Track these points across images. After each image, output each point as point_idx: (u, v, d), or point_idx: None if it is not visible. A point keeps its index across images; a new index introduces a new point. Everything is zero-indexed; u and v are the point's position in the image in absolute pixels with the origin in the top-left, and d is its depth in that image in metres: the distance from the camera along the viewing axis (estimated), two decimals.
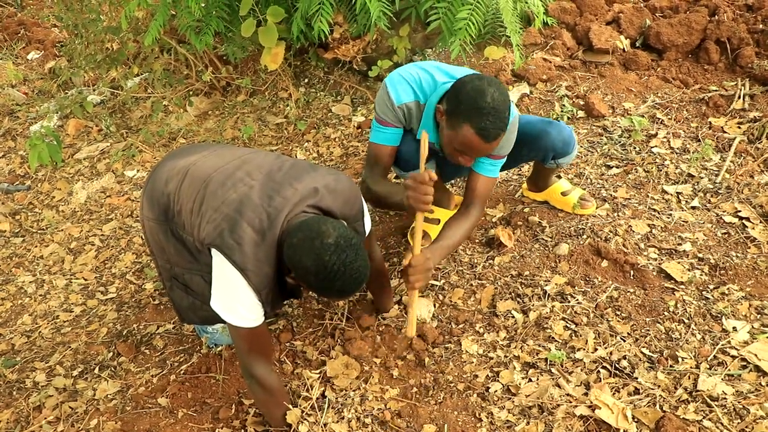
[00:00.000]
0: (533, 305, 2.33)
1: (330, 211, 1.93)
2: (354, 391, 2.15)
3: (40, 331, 2.81)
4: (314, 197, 1.90)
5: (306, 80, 4.11)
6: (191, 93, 4.26)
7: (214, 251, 1.85)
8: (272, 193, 1.88)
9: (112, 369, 2.49)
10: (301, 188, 1.90)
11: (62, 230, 3.52)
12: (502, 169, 2.49)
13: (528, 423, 1.94)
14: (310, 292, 2.51)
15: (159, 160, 3.83)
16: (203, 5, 3.50)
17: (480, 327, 2.30)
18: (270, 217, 1.83)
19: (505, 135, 2.14)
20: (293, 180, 1.92)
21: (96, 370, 2.50)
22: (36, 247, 3.44)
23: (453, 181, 2.99)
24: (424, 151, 2.08)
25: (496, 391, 2.06)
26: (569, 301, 2.33)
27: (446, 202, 2.76)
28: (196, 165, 2.06)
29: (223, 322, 1.90)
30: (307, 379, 2.21)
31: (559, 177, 2.80)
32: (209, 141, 3.86)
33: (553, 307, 2.31)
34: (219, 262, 1.84)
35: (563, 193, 2.74)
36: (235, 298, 1.84)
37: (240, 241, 1.79)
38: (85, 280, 3.11)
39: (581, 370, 2.07)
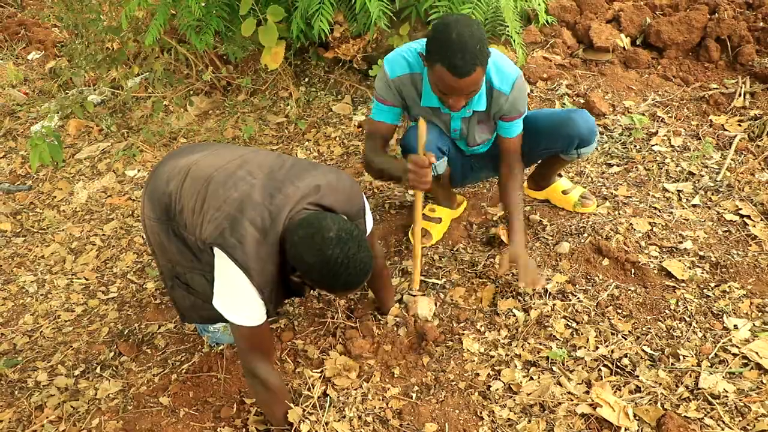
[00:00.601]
0: (534, 303, 2.33)
1: (332, 208, 1.93)
2: (355, 389, 2.15)
3: (41, 331, 2.81)
4: (315, 194, 1.90)
5: (306, 79, 4.11)
6: (192, 92, 4.26)
7: (216, 250, 1.85)
8: (273, 191, 1.88)
9: (114, 368, 2.49)
10: (303, 186, 1.90)
11: (63, 230, 3.52)
12: (526, 164, 2.57)
13: (529, 421, 1.94)
14: (315, 291, 2.51)
15: (159, 160, 3.84)
16: (203, 5, 3.50)
17: (481, 325, 2.30)
18: (272, 215, 1.83)
19: (510, 93, 2.24)
20: (294, 178, 1.92)
21: (97, 370, 2.50)
22: (37, 246, 3.45)
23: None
24: (422, 136, 2.13)
25: (497, 389, 2.06)
26: (570, 300, 2.33)
27: (449, 202, 2.76)
28: (198, 164, 2.06)
29: (226, 320, 1.90)
30: (309, 377, 2.21)
31: (560, 176, 2.79)
32: (210, 140, 3.86)
33: (554, 305, 2.31)
34: (221, 261, 1.84)
35: (564, 192, 2.73)
36: (238, 297, 1.84)
37: (242, 240, 1.79)
38: (87, 279, 3.11)
39: (582, 368, 2.07)
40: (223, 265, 1.84)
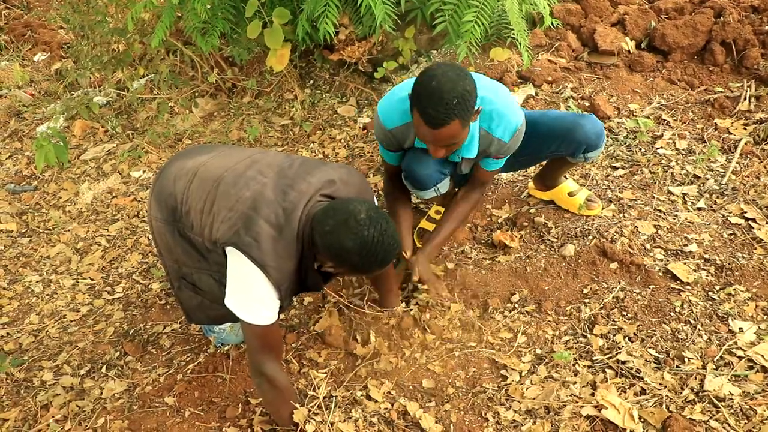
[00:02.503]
0: (540, 306, 2.34)
1: None
2: (361, 390, 2.15)
3: (47, 331, 2.82)
4: (329, 188, 1.94)
5: (311, 81, 4.12)
6: (197, 94, 4.27)
7: (230, 249, 1.86)
8: (286, 188, 1.90)
9: (119, 368, 2.50)
10: (315, 181, 1.93)
11: (69, 230, 3.53)
12: (531, 164, 2.74)
13: (534, 423, 1.94)
14: (341, 276, 2.49)
15: (165, 161, 3.85)
16: (209, 7, 3.51)
17: (486, 328, 2.31)
18: (286, 212, 1.85)
19: (509, 141, 2.27)
20: (306, 174, 1.94)
21: (103, 370, 2.50)
22: (43, 247, 3.46)
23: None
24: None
25: (502, 391, 2.07)
26: (575, 303, 2.33)
27: None
28: (206, 166, 2.07)
29: (234, 320, 1.91)
30: (314, 378, 2.22)
31: (566, 177, 2.80)
32: (215, 142, 3.87)
33: (559, 308, 2.31)
34: (236, 260, 1.85)
35: (570, 194, 2.73)
36: (252, 295, 1.84)
37: (257, 238, 1.81)
38: (92, 279, 3.12)
39: (588, 370, 2.08)
40: (237, 263, 1.85)
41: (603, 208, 2.71)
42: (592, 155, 2.50)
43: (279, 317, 1.92)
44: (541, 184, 2.80)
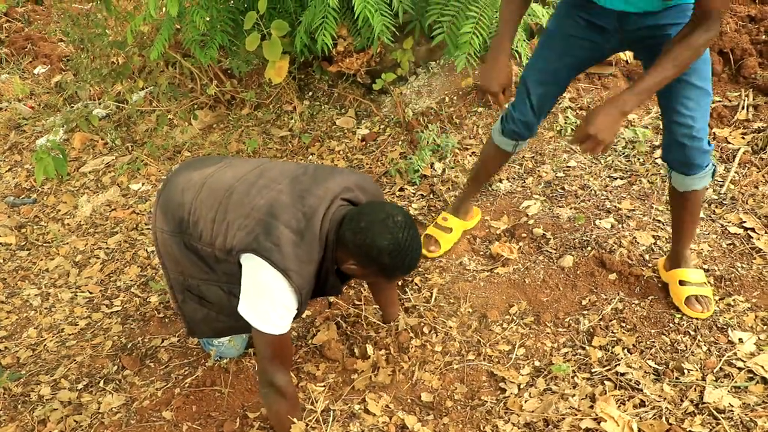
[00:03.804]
0: (539, 317, 2.33)
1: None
2: (359, 403, 2.15)
3: (45, 345, 2.81)
4: (348, 193, 1.96)
5: (310, 93, 4.13)
6: (196, 106, 4.28)
7: (247, 256, 1.85)
8: (303, 193, 1.91)
9: (117, 382, 2.49)
10: (333, 186, 1.94)
11: (67, 243, 3.53)
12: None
13: None
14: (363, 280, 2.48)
15: (164, 174, 3.86)
16: (208, 20, 3.53)
17: (484, 340, 2.30)
18: (306, 216, 1.85)
19: None
20: (322, 180, 1.95)
21: (101, 384, 2.50)
22: (41, 260, 3.46)
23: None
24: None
25: (501, 403, 2.06)
26: (574, 315, 2.32)
27: (463, 213, 2.73)
28: (214, 177, 2.08)
29: (241, 332, 1.90)
30: (312, 392, 2.21)
31: (691, 251, 2.37)
32: (215, 154, 3.88)
33: (558, 320, 2.31)
34: (254, 267, 1.84)
35: (681, 282, 2.29)
36: (269, 303, 1.83)
37: (278, 242, 1.81)
38: (90, 293, 3.11)
39: (587, 382, 2.06)
40: (255, 270, 1.84)
41: (705, 312, 2.25)
42: (674, 173, 2.16)
43: (291, 326, 1.91)
44: (667, 258, 2.39)
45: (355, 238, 1.82)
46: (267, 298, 1.83)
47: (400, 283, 2.60)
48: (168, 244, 2.11)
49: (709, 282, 2.35)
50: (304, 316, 2.57)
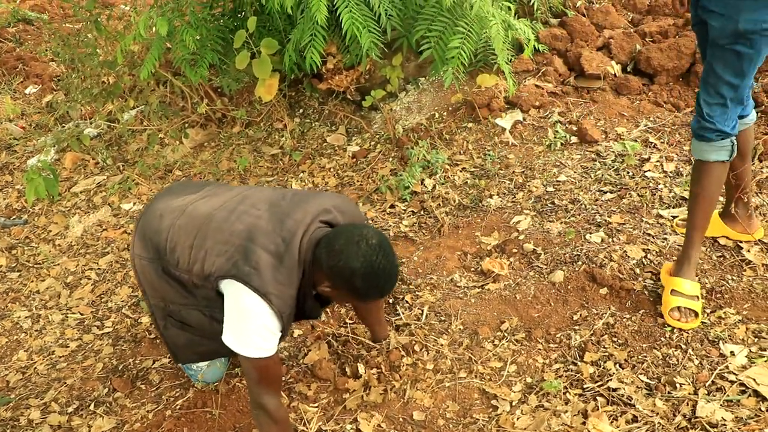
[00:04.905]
0: (530, 334, 2.33)
1: None
2: (351, 423, 2.13)
3: (35, 367, 2.79)
4: (327, 215, 1.96)
5: (301, 111, 4.14)
6: (187, 125, 4.28)
7: (227, 282, 1.85)
8: (282, 217, 1.91)
9: (108, 405, 2.47)
10: (311, 209, 1.94)
11: (58, 264, 3.52)
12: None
13: None
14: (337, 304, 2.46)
15: (155, 193, 3.85)
16: (198, 38, 3.54)
17: (475, 357, 2.29)
18: (285, 241, 1.85)
19: None
20: (301, 203, 1.96)
21: (91, 407, 2.48)
22: (32, 281, 3.44)
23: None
24: None
25: (493, 421, 2.05)
26: (566, 330, 2.32)
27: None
28: (194, 204, 2.08)
29: (226, 354, 1.89)
30: (305, 413, 2.19)
31: (691, 269, 2.31)
32: (205, 173, 3.87)
33: (549, 336, 2.30)
34: (234, 292, 1.84)
35: (673, 291, 2.28)
36: (251, 328, 1.82)
37: (257, 266, 1.80)
38: (81, 314, 3.09)
39: (578, 398, 2.06)
40: (235, 296, 1.83)
41: (689, 322, 2.25)
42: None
43: (278, 348, 1.90)
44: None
45: (329, 260, 1.81)
46: (249, 323, 1.82)
47: (390, 301, 2.59)
48: (147, 271, 2.11)
49: (701, 294, 2.35)
50: (295, 335, 2.56)
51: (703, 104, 2.13)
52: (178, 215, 2.06)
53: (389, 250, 1.84)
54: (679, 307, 2.25)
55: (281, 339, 1.91)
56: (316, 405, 2.23)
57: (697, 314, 2.25)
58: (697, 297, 2.28)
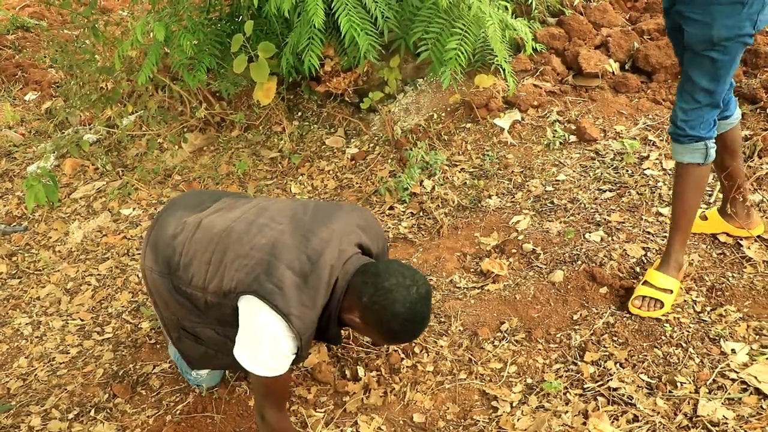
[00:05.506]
0: (530, 334, 2.32)
1: (369, 249, 1.96)
2: (351, 426, 2.13)
3: (36, 374, 2.79)
4: (356, 236, 1.92)
5: (299, 113, 4.14)
6: (186, 129, 4.28)
7: (246, 298, 1.78)
8: (307, 234, 1.84)
9: (108, 411, 2.47)
10: (338, 228, 1.88)
11: (59, 270, 3.52)
12: None
13: None
14: (360, 335, 2.42)
15: (156, 197, 3.85)
16: (195, 43, 3.54)
17: (475, 359, 2.28)
18: (311, 260, 1.79)
19: None
20: (325, 220, 1.90)
21: (92, 413, 2.47)
22: (33, 288, 3.44)
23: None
24: None
25: (493, 422, 2.04)
26: (566, 330, 2.31)
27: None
28: (210, 218, 2.01)
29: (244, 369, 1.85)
30: (308, 416, 2.19)
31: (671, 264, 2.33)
32: (204, 177, 3.87)
33: (549, 336, 2.29)
34: (252, 309, 1.78)
35: (645, 282, 2.34)
36: (265, 348, 1.77)
37: (281, 285, 1.74)
38: (82, 320, 3.09)
39: (579, 398, 2.05)
40: (253, 313, 1.78)
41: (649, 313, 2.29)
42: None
43: (291, 367, 1.86)
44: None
45: (373, 294, 1.78)
46: (264, 343, 1.77)
47: None
48: (157, 284, 2.06)
49: (700, 292, 2.35)
50: None
51: (679, 111, 2.14)
52: (193, 229, 1.99)
53: (430, 301, 1.85)
54: (643, 297, 2.30)
55: (297, 362, 1.87)
56: (322, 411, 2.22)
57: (663, 305, 2.26)
58: (670, 291, 2.29)
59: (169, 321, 2.13)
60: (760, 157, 2.94)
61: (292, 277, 1.76)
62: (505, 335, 2.35)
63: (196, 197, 2.22)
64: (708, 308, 2.30)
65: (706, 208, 2.65)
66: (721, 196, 2.61)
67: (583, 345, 2.23)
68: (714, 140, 2.17)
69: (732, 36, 1.94)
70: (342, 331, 2.09)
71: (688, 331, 2.21)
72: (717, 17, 1.93)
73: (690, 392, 1.99)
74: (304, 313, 1.77)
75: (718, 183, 2.82)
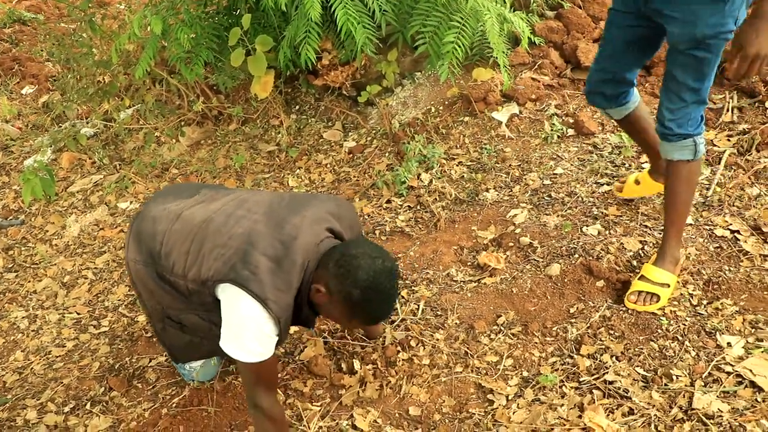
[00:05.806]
0: (526, 327, 2.32)
1: (341, 235, 1.98)
2: (347, 419, 2.13)
3: (32, 368, 2.79)
4: (327, 222, 1.95)
5: (297, 107, 4.13)
6: (183, 123, 4.27)
7: (224, 286, 1.83)
8: (280, 221, 1.89)
9: (104, 404, 2.47)
10: (310, 214, 1.93)
11: (55, 264, 3.51)
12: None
13: None
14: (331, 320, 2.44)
15: (153, 191, 3.85)
16: (192, 36, 3.53)
17: (471, 352, 2.28)
18: (284, 245, 1.83)
19: None
20: (299, 207, 1.95)
21: (88, 406, 2.47)
22: (29, 282, 3.43)
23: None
24: None
25: (489, 415, 2.04)
26: (562, 323, 2.31)
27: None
28: (191, 209, 2.06)
29: (227, 355, 1.87)
30: (303, 410, 2.19)
31: (666, 257, 2.34)
32: (201, 171, 3.86)
33: (545, 329, 2.29)
34: (231, 297, 1.82)
35: (641, 277, 2.33)
36: (249, 334, 1.81)
37: (255, 271, 1.78)
38: (78, 314, 3.09)
39: (575, 391, 2.05)
40: (232, 300, 1.82)
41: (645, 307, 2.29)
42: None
43: (275, 351, 1.88)
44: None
45: (339, 260, 1.81)
46: (247, 329, 1.81)
47: None
48: (141, 275, 2.10)
49: (697, 285, 2.34)
50: (291, 332, 2.55)
51: (666, 111, 2.15)
52: (174, 220, 2.04)
53: (396, 281, 1.85)
54: (639, 291, 2.29)
55: (278, 344, 1.90)
56: (318, 404, 2.22)
57: (659, 299, 2.26)
58: (667, 285, 2.29)
59: (153, 311, 2.17)
60: (758, 151, 2.93)
61: (267, 263, 1.81)
62: (502, 328, 2.35)
63: (178, 190, 2.26)
64: (704, 302, 2.29)
65: (638, 173, 2.73)
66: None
67: (579, 338, 2.23)
68: (702, 135, 2.19)
69: (716, 33, 1.93)
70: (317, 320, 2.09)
71: (684, 325, 2.20)
72: (700, 15, 1.92)
73: (685, 385, 1.99)
74: (280, 297, 1.81)
75: (719, 176, 2.83)
